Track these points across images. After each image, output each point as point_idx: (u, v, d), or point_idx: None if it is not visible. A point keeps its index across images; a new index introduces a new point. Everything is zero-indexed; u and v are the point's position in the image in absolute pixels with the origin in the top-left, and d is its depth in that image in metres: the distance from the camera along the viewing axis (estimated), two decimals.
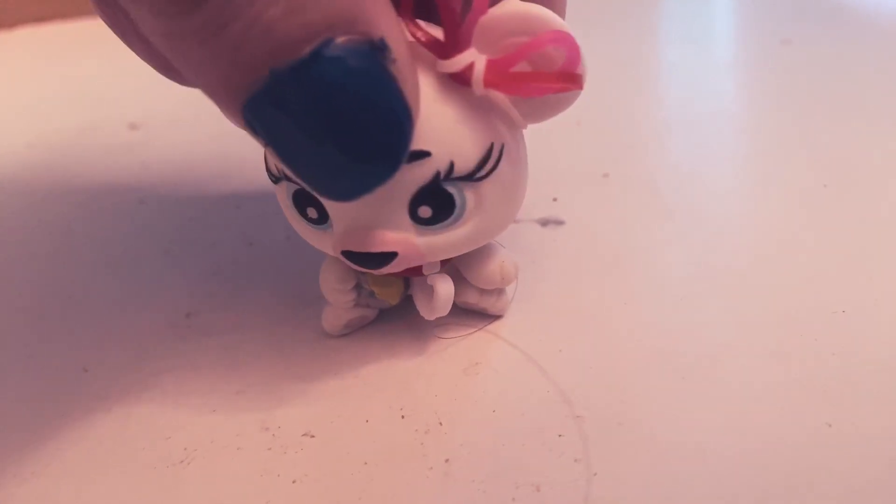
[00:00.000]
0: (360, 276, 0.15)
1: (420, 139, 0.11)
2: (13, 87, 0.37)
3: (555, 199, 0.21)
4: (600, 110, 0.27)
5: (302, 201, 0.13)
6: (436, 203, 0.13)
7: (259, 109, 0.10)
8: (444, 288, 0.14)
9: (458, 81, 0.12)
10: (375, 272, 0.14)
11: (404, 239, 0.13)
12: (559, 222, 0.20)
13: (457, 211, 0.13)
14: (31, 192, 0.25)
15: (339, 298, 0.15)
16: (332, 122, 0.10)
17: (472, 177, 0.12)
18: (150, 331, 0.17)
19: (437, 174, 0.12)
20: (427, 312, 0.15)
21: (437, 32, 0.12)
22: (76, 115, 0.31)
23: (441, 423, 0.14)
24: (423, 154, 0.12)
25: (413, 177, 0.12)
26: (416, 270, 0.14)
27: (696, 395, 0.14)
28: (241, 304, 0.18)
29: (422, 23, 0.12)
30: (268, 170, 0.14)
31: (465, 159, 0.12)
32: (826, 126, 0.25)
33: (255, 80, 0.10)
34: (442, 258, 0.14)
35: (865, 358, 0.14)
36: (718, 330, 0.15)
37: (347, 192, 0.11)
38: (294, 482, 0.13)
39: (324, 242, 0.14)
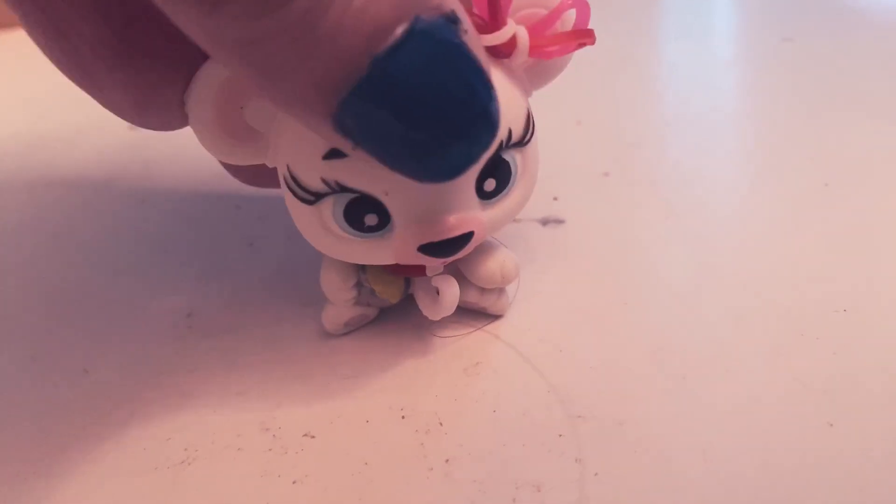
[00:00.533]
0: (361, 275, 0.15)
1: None
2: (12, 87, 0.37)
3: (555, 199, 0.21)
4: (600, 109, 0.27)
5: (358, 211, 0.13)
6: (498, 174, 0.13)
7: (357, 105, 0.09)
8: (450, 290, 0.14)
9: (497, 54, 0.12)
10: (446, 260, 0.14)
11: (475, 217, 0.13)
12: (559, 221, 0.20)
13: (513, 178, 0.13)
14: (31, 192, 0.25)
15: (339, 297, 0.15)
16: (432, 101, 0.10)
17: (522, 141, 0.13)
18: (150, 331, 0.17)
19: (501, 143, 0.13)
20: (431, 313, 0.15)
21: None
22: (75, 114, 0.31)
23: (441, 424, 0.14)
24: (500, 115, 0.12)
25: None
26: (420, 270, 0.14)
27: (697, 395, 0.14)
28: (241, 305, 0.18)
29: None
30: (301, 190, 0.13)
31: (518, 125, 0.13)
32: (827, 124, 0.25)
33: (355, 71, 0.09)
34: (499, 230, 0.14)
35: (867, 357, 0.14)
36: (719, 329, 0.15)
37: (454, 169, 0.11)
38: (294, 483, 0.13)
39: (381, 250, 0.13)
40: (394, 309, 0.16)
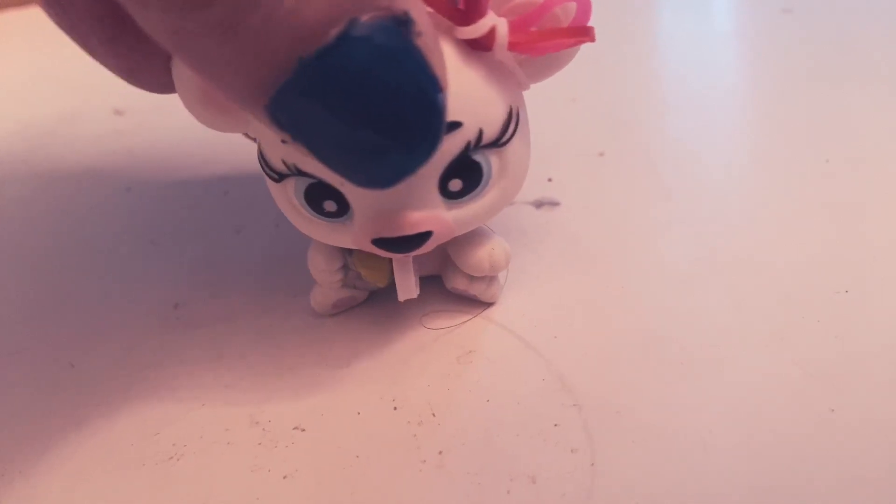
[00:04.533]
0: (348, 258, 0.15)
1: (449, 110, 0.11)
2: None
3: (550, 180, 0.20)
4: (595, 86, 0.26)
5: (317, 195, 0.13)
6: (465, 174, 0.12)
7: (287, 103, 0.09)
8: (405, 275, 0.14)
9: (476, 47, 0.12)
10: (405, 255, 0.13)
11: (436, 216, 0.13)
12: (554, 203, 0.19)
13: (484, 179, 0.13)
14: (14, 181, 0.24)
15: (326, 279, 0.15)
16: (365, 107, 0.09)
17: (497, 142, 0.12)
18: (137, 324, 0.17)
19: (468, 144, 0.12)
20: (399, 293, 0.14)
21: None
22: (60, 101, 0.31)
23: (434, 415, 0.13)
24: (455, 125, 0.12)
25: (444, 150, 0.12)
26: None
27: (696, 382, 0.13)
28: (229, 294, 0.17)
29: None
30: (268, 167, 0.13)
31: (492, 125, 0.12)
32: (828, 98, 0.24)
33: (282, 71, 0.09)
34: (469, 229, 0.14)
35: (869, 340, 0.14)
36: (718, 313, 0.15)
37: (388, 178, 0.10)
38: (285, 477, 0.13)
39: (341, 236, 0.13)
40: (385, 298, 0.16)
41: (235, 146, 0.23)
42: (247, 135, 0.18)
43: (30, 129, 0.28)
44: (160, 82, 0.13)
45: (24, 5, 0.44)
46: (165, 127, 0.27)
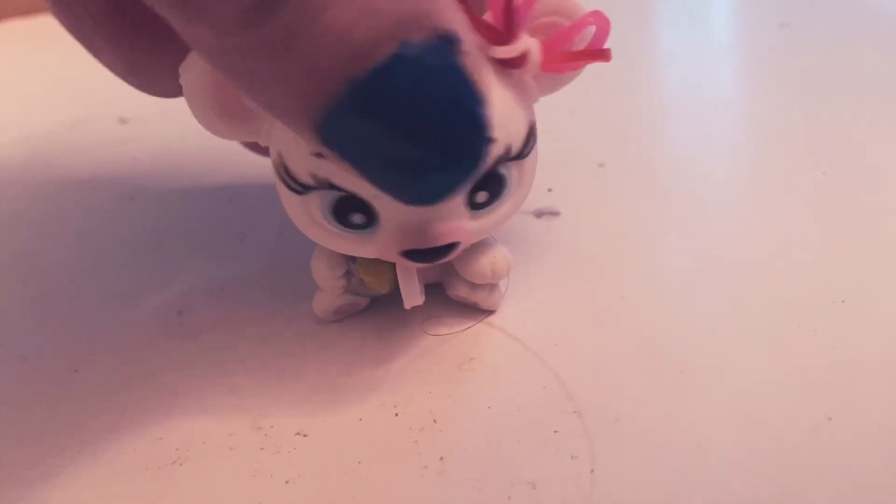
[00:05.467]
0: (351, 264, 0.15)
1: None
2: (1, 82, 0.36)
3: (550, 190, 0.21)
4: (595, 98, 0.27)
5: (345, 208, 0.13)
6: (492, 186, 0.13)
7: (338, 124, 0.09)
8: (408, 281, 0.14)
9: (508, 66, 0.12)
10: (432, 263, 0.14)
11: (461, 227, 0.13)
12: (554, 213, 0.19)
13: (506, 191, 0.13)
14: (18, 188, 0.24)
15: (329, 285, 0.15)
16: (414, 126, 0.10)
17: (520, 156, 0.13)
18: (141, 330, 0.17)
19: (498, 159, 0.12)
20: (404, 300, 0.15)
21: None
22: (65, 109, 0.31)
23: (435, 421, 0.13)
24: (490, 141, 0.12)
25: None
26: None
27: (695, 389, 0.13)
28: (233, 301, 0.17)
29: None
30: (292, 180, 0.13)
31: (518, 140, 0.13)
32: (825, 111, 0.24)
33: (333, 92, 0.09)
34: (483, 238, 0.14)
35: (866, 349, 0.14)
36: (717, 322, 0.15)
37: (434, 195, 0.11)
38: (287, 482, 0.13)
39: (365, 247, 0.13)
40: (387, 304, 0.16)
41: (239, 154, 0.24)
42: (250, 145, 0.19)
43: (34, 136, 0.28)
44: (165, 86, 0.13)
45: (30, 14, 0.45)
46: (170, 135, 0.27)
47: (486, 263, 0.15)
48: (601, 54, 0.12)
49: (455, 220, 0.13)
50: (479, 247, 0.15)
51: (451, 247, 0.13)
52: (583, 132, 0.25)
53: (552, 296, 0.16)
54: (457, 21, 0.10)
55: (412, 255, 0.13)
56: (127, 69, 0.14)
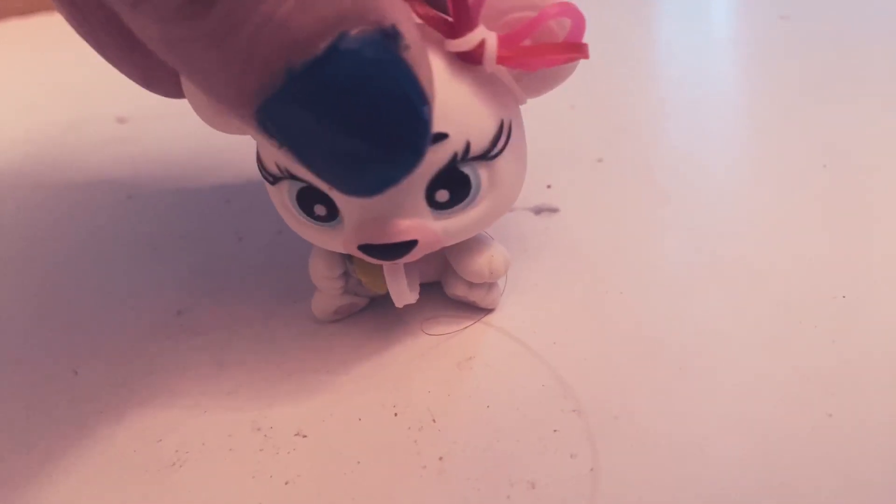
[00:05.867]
0: (348, 265, 0.15)
1: (436, 121, 0.11)
2: None
3: (548, 186, 0.20)
4: (594, 93, 0.27)
5: (308, 199, 0.13)
6: (453, 186, 0.13)
7: (275, 112, 0.10)
8: (395, 280, 0.14)
9: (467, 60, 0.12)
10: (391, 262, 0.13)
11: (422, 225, 0.13)
12: (553, 210, 0.19)
13: (472, 191, 0.13)
14: (17, 188, 0.24)
15: (327, 286, 0.15)
16: (351, 118, 0.10)
17: (486, 155, 0.12)
18: (141, 330, 0.17)
19: (454, 156, 0.12)
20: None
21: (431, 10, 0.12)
22: (63, 109, 0.31)
23: (434, 420, 0.13)
24: (440, 136, 0.12)
25: (430, 161, 0.12)
26: None
27: (694, 386, 0.13)
28: (231, 301, 0.17)
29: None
30: (263, 170, 0.13)
31: (480, 138, 0.12)
32: (826, 104, 0.24)
33: (270, 82, 0.09)
34: (459, 241, 0.14)
35: (866, 345, 0.14)
36: (716, 318, 0.15)
37: (373, 187, 0.11)
38: (287, 483, 0.13)
39: (332, 240, 0.13)
40: (385, 304, 0.16)
41: (237, 154, 0.24)
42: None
43: (32, 136, 0.28)
44: (175, 88, 0.14)
45: (28, 14, 0.45)
46: (168, 135, 0.27)
47: (483, 262, 0.15)
48: (577, 48, 0.12)
49: (414, 218, 0.13)
50: (475, 246, 0.15)
51: (408, 245, 0.13)
52: (582, 128, 0.24)
53: (551, 293, 0.16)
54: (399, 15, 0.10)
55: (369, 250, 0.13)
56: (142, 76, 0.14)
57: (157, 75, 0.14)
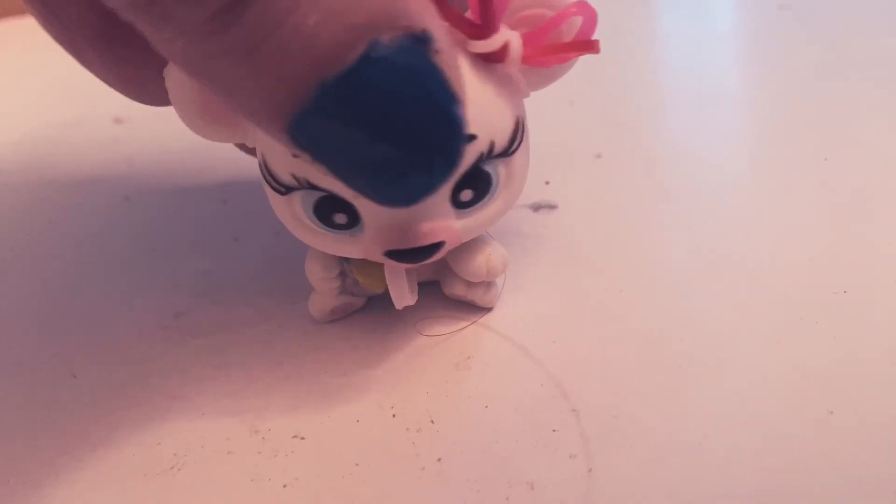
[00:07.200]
0: (345, 265, 0.15)
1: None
2: None
3: (547, 183, 0.20)
4: (592, 88, 0.26)
5: (328, 208, 0.13)
6: (476, 185, 0.13)
7: (308, 126, 0.09)
8: (396, 282, 0.14)
9: (490, 60, 0.12)
10: (418, 264, 0.13)
11: (447, 226, 0.13)
12: (552, 207, 0.19)
13: (492, 189, 0.13)
14: (13, 190, 0.24)
15: (324, 286, 0.15)
16: (386, 127, 0.09)
17: (506, 152, 0.13)
18: (139, 333, 0.17)
19: (480, 156, 0.12)
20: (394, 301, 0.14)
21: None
22: (59, 109, 0.31)
23: (433, 422, 0.13)
24: (470, 138, 0.12)
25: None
26: None
27: (694, 385, 0.13)
28: (229, 302, 0.17)
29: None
30: (274, 181, 0.13)
31: (503, 137, 0.12)
32: (826, 95, 0.24)
33: (302, 95, 0.09)
34: (474, 237, 0.14)
35: (868, 341, 0.14)
36: (716, 316, 0.15)
37: (411, 197, 0.10)
38: (285, 486, 0.13)
39: (350, 247, 0.13)
40: (383, 304, 0.16)
41: (234, 155, 0.23)
42: (242, 146, 0.18)
43: (29, 137, 0.28)
44: (155, 95, 0.13)
45: (24, 14, 0.45)
46: (165, 135, 0.27)
47: (481, 262, 0.14)
48: (589, 46, 0.12)
49: (439, 220, 0.13)
50: (473, 245, 0.15)
51: (436, 246, 0.13)
52: (580, 123, 0.24)
53: (549, 291, 0.16)
54: (429, 19, 0.10)
55: (396, 255, 0.13)
56: (115, 78, 0.14)
57: (136, 81, 0.14)
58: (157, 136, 0.27)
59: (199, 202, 0.22)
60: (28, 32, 0.44)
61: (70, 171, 0.25)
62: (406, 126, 0.09)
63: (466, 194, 0.13)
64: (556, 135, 0.23)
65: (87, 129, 0.28)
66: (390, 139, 0.09)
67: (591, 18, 0.12)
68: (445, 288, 0.16)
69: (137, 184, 0.23)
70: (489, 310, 0.16)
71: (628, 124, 0.24)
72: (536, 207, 0.19)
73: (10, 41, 0.42)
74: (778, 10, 0.33)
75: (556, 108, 0.25)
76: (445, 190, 0.12)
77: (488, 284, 0.15)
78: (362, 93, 0.09)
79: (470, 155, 0.12)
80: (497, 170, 0.13)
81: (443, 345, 0.15)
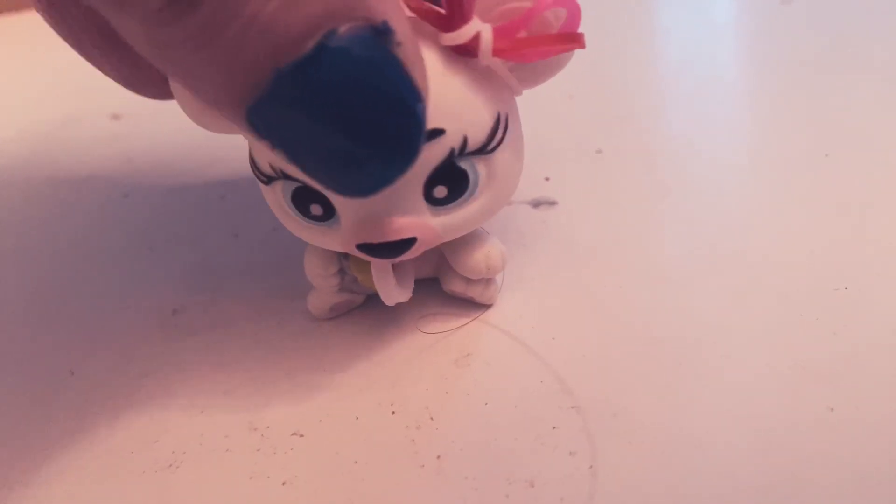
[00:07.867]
0: (344, 262, 0.15)
1: (432, 117, 0.11)
2: None
3: (547, 179, 0.20)
4: (592, 83, 0.26)
5: (304, 199, 0.13)
6: (451, 181, 0.12)
7: (265, 113, 0.09)
8: (384, 278, 0.14)
9: (462, 53, 0.12)
10: (380, 261, 0.13)
11: (421, 222, 0.13)
12: (551, 203, 0.19)
13: (471, 187, 0.13)
14: (11, 187, 0.24)
15: (323, 283, 0.15)
16: (343, 117, 0.09)
17: (483, 150, 0.12)
18: (137, 330, 0.17)
19: (452, 151, 0.12)
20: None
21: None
22: (57, 106, 0.31)
23: (432, 419, 0.13)
24: (437, 133, 0.12)
25: (428, 157, 0.12)
26: None
27: (694, 382, 0.13)
28: (227, 299, 0.17)
29: None
30: (257, 170, 0.13)
31: (477, 133, 0.12)
32: (827, 91, 0.24)
33: (259, 82, 0.09)
34: (457, 236, 0.14)
35: (869, 337, 0.14)
36: (717, 312, 0.15)
37: (367, 188, 0.10)
38: (284, 484, 0.13)
39: (329, 239, 0.13)
40: (382, 302, 0.16)
41: (232, 151, 0.23)
42: None
43: (27, 133, 0.28)
44: (157, 89, 0.14)
45: (21, 10, 0.44)
46: (163, 132, 0.27)
47: (480, 258, 0.14)
48: (573, 39, 0.11)
49: (413, 216, 0.12)
50: (472, 241, 0.14)
51: (407, 242, 0.13)
52: (580, 118, 0.24)
53: (549, 288, 0.16)
54: (390, 10, 0.09)
55: (367, 249, 0.13)
56: (119, 74, 0.14)
57: (138, 75, 0.14)
58: (155, 132, 0.27)
59: (197, 198, 0.22)
60: (26, 29, 0.43)
61: (68, 168, 0.25)
62: (362, 117, 0.09)
63: (441, 191, 0.12)
64: (556, 130, 0.23)
65: (85, 125, 0.28)
66: (345, 129, 0.09)
67: (573, 10, 0.11)
68: (445, 285, 0.16)
69: (135, 180, 0.23)
70: (489, 307, 0.16)
71: (629, 119, 0.24)
72: (536, 204, 0.19)
73: (7, 37, 0.42)
74: (779, 5, 0.33)
75: (556, 103, 0.25)
76: (417, 185, 0.12)
77: (488, 281, 0.15)
78: (317, 82, 0.09)
79: (438, 150, 0.12)
80: (475, 167, 0.12)
81: (442, 342, 0.15)
